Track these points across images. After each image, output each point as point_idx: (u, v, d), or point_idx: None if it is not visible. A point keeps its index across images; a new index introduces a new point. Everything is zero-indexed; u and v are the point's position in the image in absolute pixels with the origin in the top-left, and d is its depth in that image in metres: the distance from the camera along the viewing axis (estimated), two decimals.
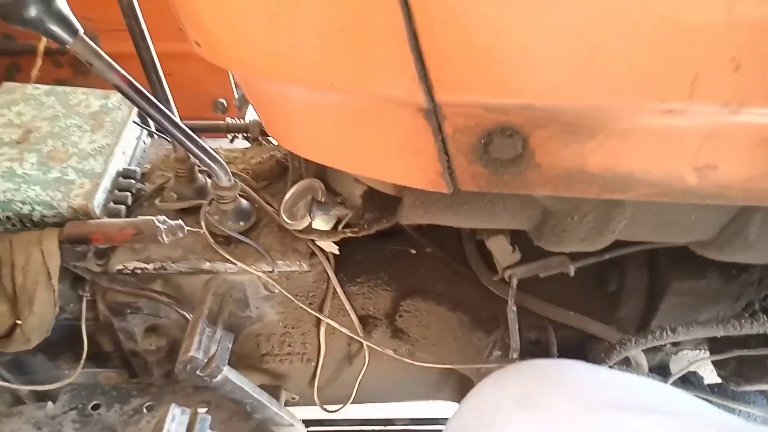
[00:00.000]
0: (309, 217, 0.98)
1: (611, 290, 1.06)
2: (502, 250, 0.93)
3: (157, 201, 1.14)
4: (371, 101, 0.63)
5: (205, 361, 0.93)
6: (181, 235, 0.95)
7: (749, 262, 0.79)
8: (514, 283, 0.96)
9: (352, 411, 1.48)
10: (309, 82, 0.61)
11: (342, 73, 0.59)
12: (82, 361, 1.05)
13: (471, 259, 1.09)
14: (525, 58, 0.54)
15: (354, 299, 1.21)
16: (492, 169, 0.66)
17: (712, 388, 1.14)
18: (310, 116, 0.70)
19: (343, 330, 1.14)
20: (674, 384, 1.16)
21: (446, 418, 0.75)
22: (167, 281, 1.10)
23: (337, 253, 1.13)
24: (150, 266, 1.05)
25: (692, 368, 1.22)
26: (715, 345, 1.04)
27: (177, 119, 0.86)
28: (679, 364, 1.25)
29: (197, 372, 0.91)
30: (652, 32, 0.52)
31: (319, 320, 1.18)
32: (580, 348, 1.04)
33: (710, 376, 1.20)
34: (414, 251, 1.21)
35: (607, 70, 0.54)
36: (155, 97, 0.81)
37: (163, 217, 0.97)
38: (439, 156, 0.66)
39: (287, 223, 1.01)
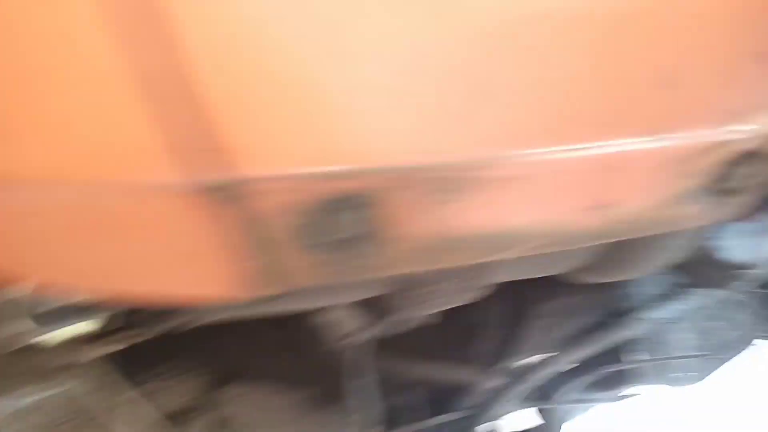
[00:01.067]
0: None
1: (463, 324, 0.92)
2: (337, 322, 0.72)
3: None
4: (113, 192, 0.35)
5: None
6: None
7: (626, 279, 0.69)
8: (350, 354, 0.76)
9: None
10: None
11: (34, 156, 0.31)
12: None
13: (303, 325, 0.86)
14: (359, 106, 0.32)
15: (156, 396, 0.91)
16: (334, 255, 0.44)
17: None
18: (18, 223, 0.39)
19: None
20: None
21: None
22: None
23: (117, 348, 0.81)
24: None
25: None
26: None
27: None
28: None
29: None
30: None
31: None
32: (450, 399, 0.89)
33: None
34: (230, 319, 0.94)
35: (493, 114, 0.35)
36: None
37: None
38: (248, 251, 0.42)
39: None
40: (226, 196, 0.37)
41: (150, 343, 0.89)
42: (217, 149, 0.33)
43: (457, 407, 0.86)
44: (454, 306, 0.72)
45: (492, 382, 0.81)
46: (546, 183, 0.44)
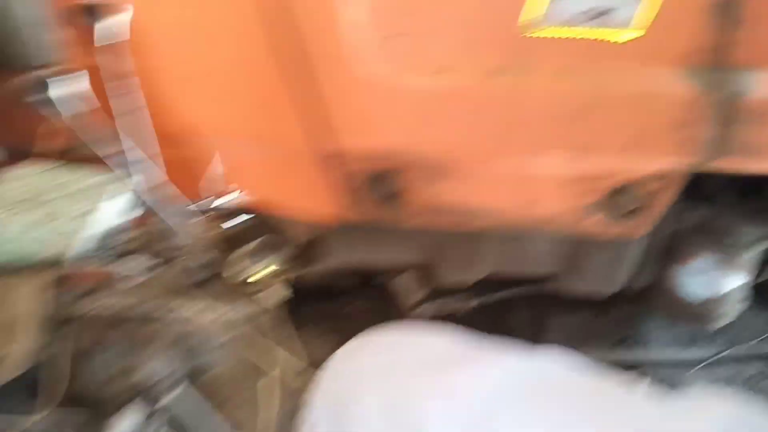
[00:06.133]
0: (247, 268, 1.16)
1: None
2: (406, 289, 1.11)
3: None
4: (286, 150, 0.87)
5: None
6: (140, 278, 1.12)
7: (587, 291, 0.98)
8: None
9: None
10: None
11: (265, 127, 0.84)
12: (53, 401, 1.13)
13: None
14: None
15: (306, 346, 1.34)
16: (377, 206, 0.88)
17: None
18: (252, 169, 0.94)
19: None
20: None
21: None
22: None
23: (287, 298, 1.26)
24: (109, 310, 1.19)
25: None
26: None
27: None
28: None
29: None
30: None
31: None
32: None
33: None
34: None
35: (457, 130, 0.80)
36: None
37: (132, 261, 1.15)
38: (339, 194, 0.89)
39: (226, 276, 1.18)
40: (333, 161, 0.85)
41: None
42: (336, 134, 0.82)
43: None
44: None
45: None
46: (493, 181, 0.84)
